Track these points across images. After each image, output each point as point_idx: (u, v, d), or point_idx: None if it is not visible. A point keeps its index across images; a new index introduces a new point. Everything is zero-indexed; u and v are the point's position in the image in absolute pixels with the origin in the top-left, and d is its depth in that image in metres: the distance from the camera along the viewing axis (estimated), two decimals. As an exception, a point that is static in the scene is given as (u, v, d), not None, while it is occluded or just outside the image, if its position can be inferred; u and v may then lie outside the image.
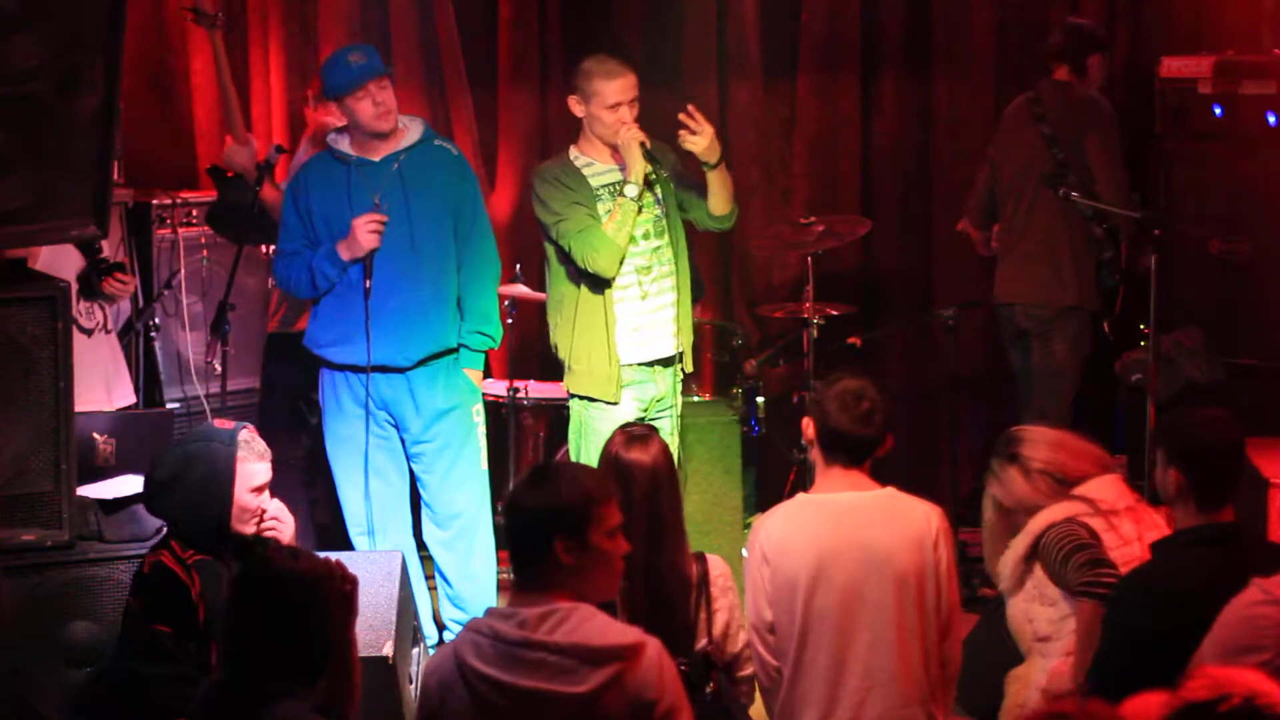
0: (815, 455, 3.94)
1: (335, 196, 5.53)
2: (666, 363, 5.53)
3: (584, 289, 5.41)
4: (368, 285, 5.43)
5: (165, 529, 4.11)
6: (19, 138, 3.92)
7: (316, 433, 6.16)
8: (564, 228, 5.34)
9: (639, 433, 4.11)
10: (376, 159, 5.54)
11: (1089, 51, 6.41)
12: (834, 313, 6.51)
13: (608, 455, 4.06)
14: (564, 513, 3.20)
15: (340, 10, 7.09)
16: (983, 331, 7.00)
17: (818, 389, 4.00)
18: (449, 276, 5.60)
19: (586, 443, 5.44)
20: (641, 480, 3.95)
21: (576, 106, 5.43)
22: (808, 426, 3.95)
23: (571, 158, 5.48)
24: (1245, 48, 6.45)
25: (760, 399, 6.50)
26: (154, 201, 6.33)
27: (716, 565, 4.05)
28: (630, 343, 5.44)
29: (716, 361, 6.45)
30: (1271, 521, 5.19)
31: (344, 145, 5.58)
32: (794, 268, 7.13)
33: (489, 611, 3.24)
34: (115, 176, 5.05)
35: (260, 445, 4.15)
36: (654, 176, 5.39)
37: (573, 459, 5.57)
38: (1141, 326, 6.06)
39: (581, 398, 5.45)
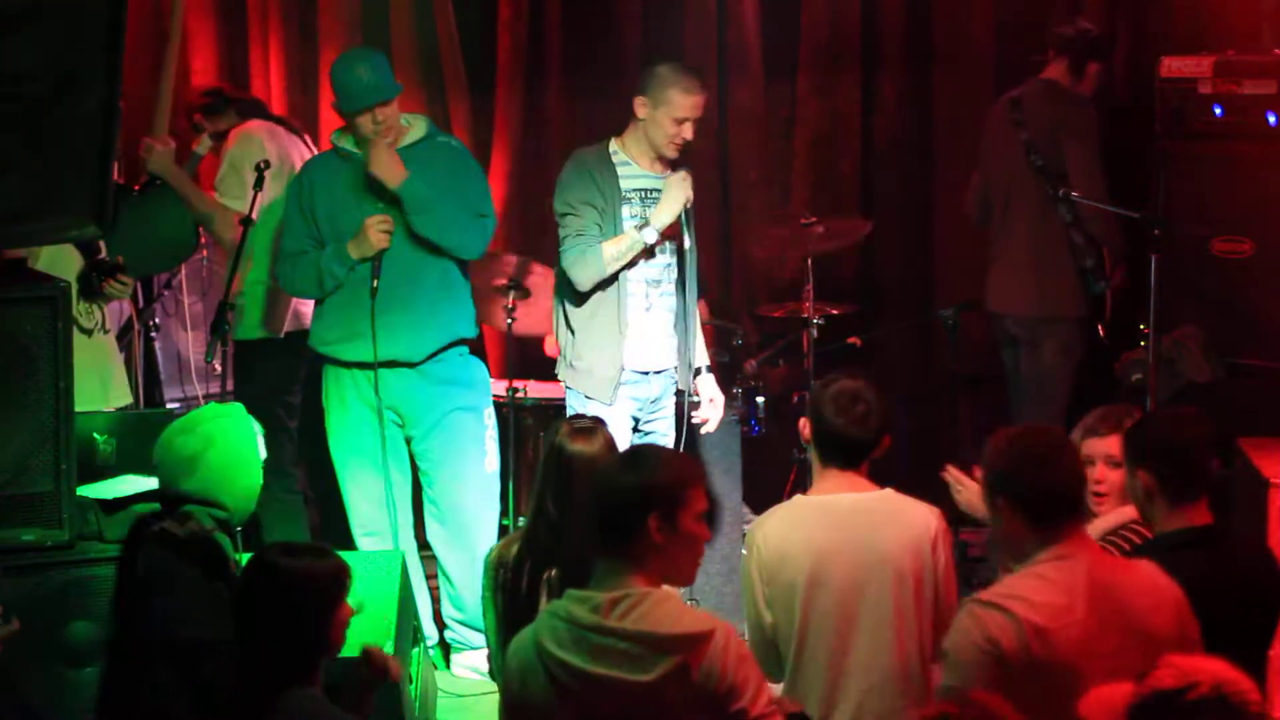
0: (812, 456, 3.95)
1: (340, 195, 5.54)
2: (660, 371, 5.53)
3: (600, 290, 5.37)
4: (375, 285, 5.44)
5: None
6: (19, 138, 3.91)
7: (297, 435, 6.16)
8: (568, 221, 5.32)
9: (584, 426, 4.12)
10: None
11: (1090, 57, 6.42)
12: (834, 313, 6.50)
13: (551, 445, 4.08)
14: (658, 491, 3.23)
15: (340, 10, 7.09)
16: (983, 331, 7.01)
17: (815, 389, 4.00)
18: (454, 270, 5.61)
19: None
20: (580, 473, 3.96)
21: (641, 108, 5.36)
22: (804, 427, 3.95)
23: (611, 151, 5.44)
24: (1245, 48, 6.44)
25: (760, 399, 6.50)
26: (153, 202, 6.31)
27: None
28: (631, 351, 5.43)
29: (716, 361, 6.44)
30: (1271, 521, 5.18)
31: (348, 144, 5.59)
32: (794, 268, 7.12)
33: (568, 594, 3.25)
34: (115, 176, 5.05)
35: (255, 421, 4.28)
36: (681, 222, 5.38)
37: None
38: (1141, 326, 6.06)
39: (578, 395, 5.45)
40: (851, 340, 6.59)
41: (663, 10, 7.20)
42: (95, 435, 4.78)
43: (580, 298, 5.40)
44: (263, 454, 4.23)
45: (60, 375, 4.17)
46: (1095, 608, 3.27)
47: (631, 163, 5.42)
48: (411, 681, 4.73)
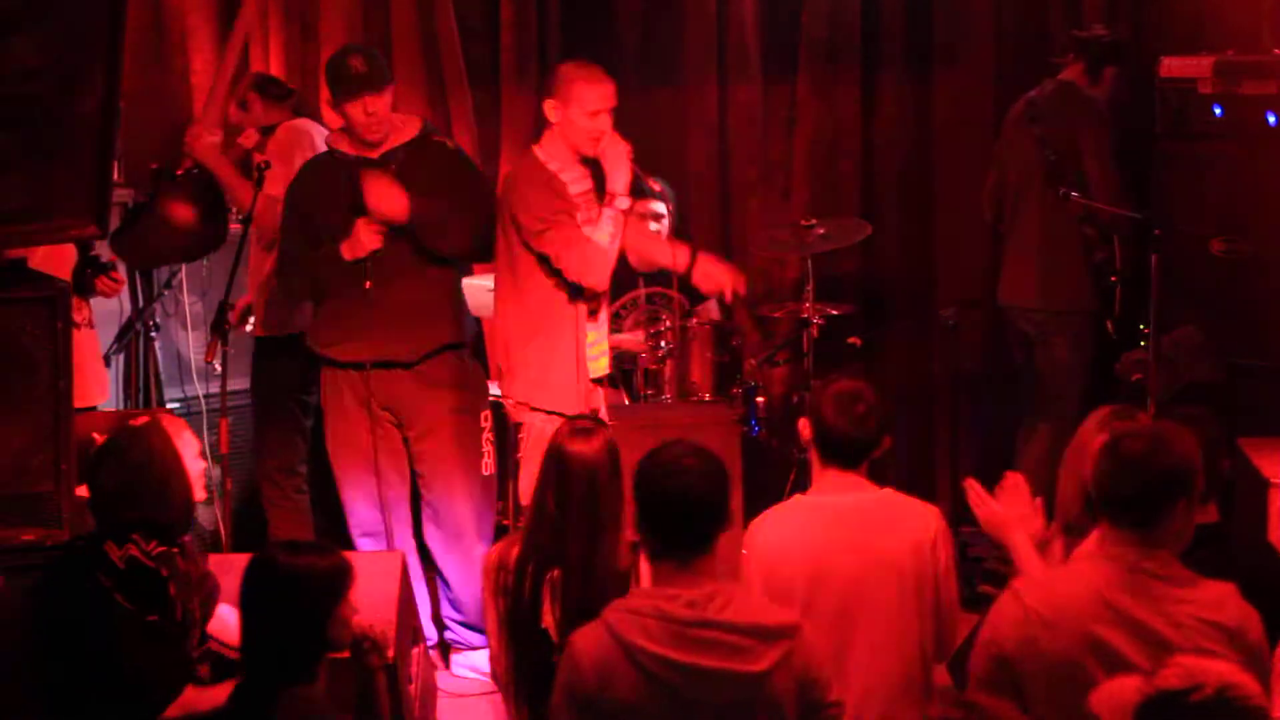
0: (811, 456, 3.95)
1: (335, 196, 5.54)
2: (599, 381, 5.53)
3: (562, 301, 5.32)
4: (368, 286, 5.44)
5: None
6: (19, 138, 3.92)
7: (312, 435, 6.16)
8: (551, 236, 5.22)
9: (584, 426, 4.12)
10: (375, 157, 5.55)
11: (1107, 61, 6.44)
12: (834, 313, 6.50)
13: (552, 445, 4.09)
14: (728, 479, 3.34)
15: (340, 10, 7.09)
16: (983, 331, 7.01)
17: (815, 390, 4.00)
18: (449, 271, 5.61)
19: None
20: (579, 472, 3.96)
21: (552, 111, 5.32)
22: (804, 427, 3.95)
23: (542, 161, 5.35)
24: (1245, 48, 6.43)
25: (760, 399, 6.50)
26: (154, 202, 6.31)
27: None
28: (589, 358, 5.43)
29: (716, 361, 6.45)
30: (1271, 521, 5.18)
31: (343, 145, 5.59)
32: (794, 268, 7.13)
33: (640, 593, 3.24)
34: (115, 176, 5.05)
35: (169, 417, 4.29)
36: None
37: (528, 476, 5.45)
38: (1141, 326, 6.07)
39: (548, 413, 5.32)
40: (851, 340, 6.59)
41: (663, 10, 7.19)
42: (95, 435, 4.78)
43: (540, 312, 5.33)
44: (195, 446, 4.22)
45: (60, 375, 4.17)
46: (1116, 613, 3.24)
47: (565, 169, 5.35)
48: (411, 681, 4.73)
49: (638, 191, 5.42)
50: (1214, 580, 3.32)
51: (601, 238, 5.24)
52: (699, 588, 3.20)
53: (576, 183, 5.36)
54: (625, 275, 6.16)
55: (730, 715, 3.16)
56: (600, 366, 5.49)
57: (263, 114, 6.21)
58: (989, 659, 3.32)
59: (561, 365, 5.33)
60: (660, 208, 6.25)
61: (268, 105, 6.22)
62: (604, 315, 5.52)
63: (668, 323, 6.24)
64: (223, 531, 5.99)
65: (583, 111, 5.26)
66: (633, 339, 6.33)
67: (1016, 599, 3.32)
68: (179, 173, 5.83)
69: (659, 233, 6.27)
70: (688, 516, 3.25)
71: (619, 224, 5.26)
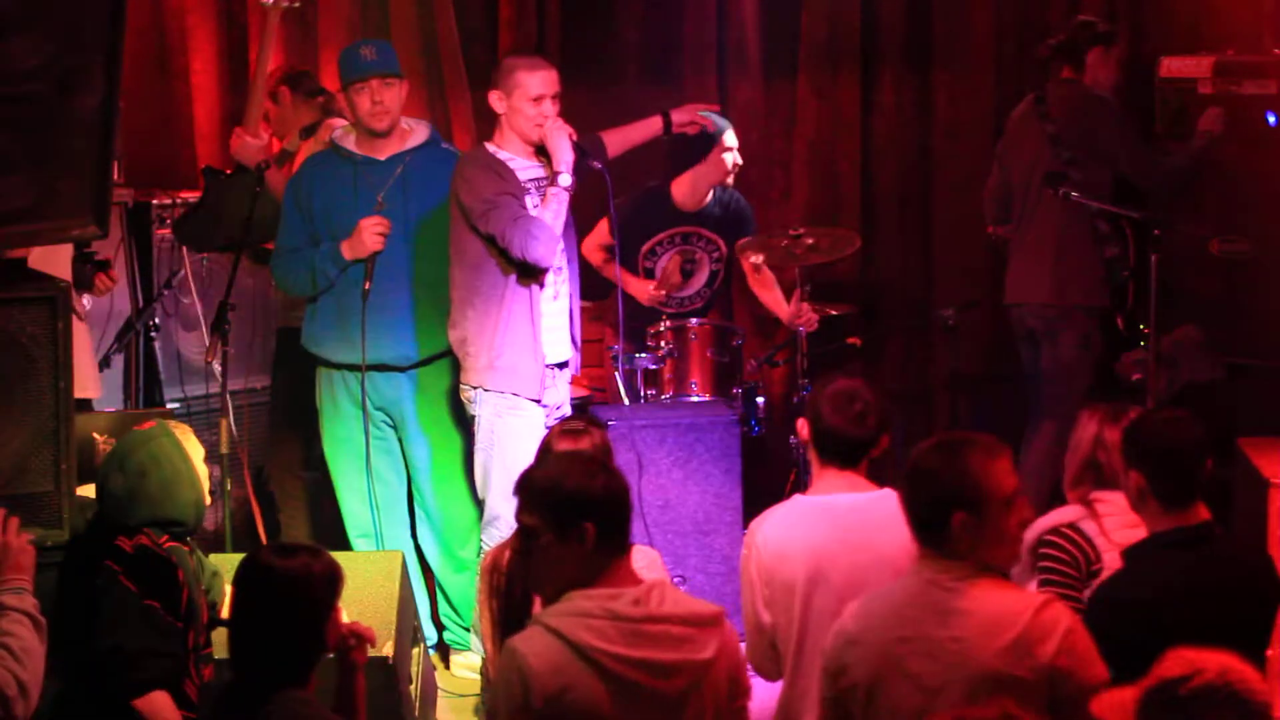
0: (811, 456, 3.95)
1: (339, 194, 5.54)
2: (562, 366, 5.53)
3: (513, 282, 5.33)
4: (367, 287, 5.43)
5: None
6: (19, 138, 3.91)
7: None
8: (497, 215, 5.25)
9: (574, 427, 4.15)
10: (382, 158, 5.55)
11: (1086, 46, 6.42)
12: (833, 313, 6.50)
13: (542, 445, 4.12)
14: None
15: (340, 10, 7.10)
16: (983, 331, 7.01)
17: (813, 390, 4.01)
18: (448, 275, 5.60)
19: (507, 446, 5.34)
20: None
21: (498, 102, 5.37)
22: (803, 427, 3.96)
23: (491, 151, 5.40)
24: (1245, 48, 6.45)
25: (760, 399, 6.50)
26: (154, 201, 6.33)
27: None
28: (546, 342, 5.43)
29: (716, 361, 6.45)
30: (1271, 521, 5.18)
31: (349, 143, 5.59)
32: (792, 269, 7.14)
33: (581, 595, 3.18)
34: (115, 176, 5.05)
35: (176, 422, 4.29)
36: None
37: (488, 466, 5.43)
38: (1141, 326, 6.06)
39: (501, 394, 5.35)
40: (851, 340, 6.59)
41: (663, 10, 7.21)
42: (95, 435, 4.78)
43: (492, 294, 5.34)
44: (201, 450, 4.23)
45: (60, 375, 4.16)
46: (913, 627, 3.19)
47: (515, 157, 5.39)
48: (411, 681, 4.73)
49: (583, 172, 5.42)
50: (1023, 594, 3.26)
51: (546, 215, 5.27)
52: (635, 585, 3.20)
53: (526, 170, 5.40)
54: (666, 215, 6.23)
55: (681, 704, 3.17)
56: (556, 353, 5.49)
57: (292, 108, 6.24)
58: (821, 673, 3.33)
59: (520, 347, 5.33)
60: (732, 139, 6.29)
61: (297, 100, 6.26)
62: (565, 301, 5.51)
63: (668, 322, 6.25)
64: (261, 528, 6.00)
65: (526, 98, 5.31)
66: (640, 286, 6.31)
67: (842, 615, 3.33)
68: (228, 172, 5.94)
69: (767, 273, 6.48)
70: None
71: (562, 201, 5.30)
